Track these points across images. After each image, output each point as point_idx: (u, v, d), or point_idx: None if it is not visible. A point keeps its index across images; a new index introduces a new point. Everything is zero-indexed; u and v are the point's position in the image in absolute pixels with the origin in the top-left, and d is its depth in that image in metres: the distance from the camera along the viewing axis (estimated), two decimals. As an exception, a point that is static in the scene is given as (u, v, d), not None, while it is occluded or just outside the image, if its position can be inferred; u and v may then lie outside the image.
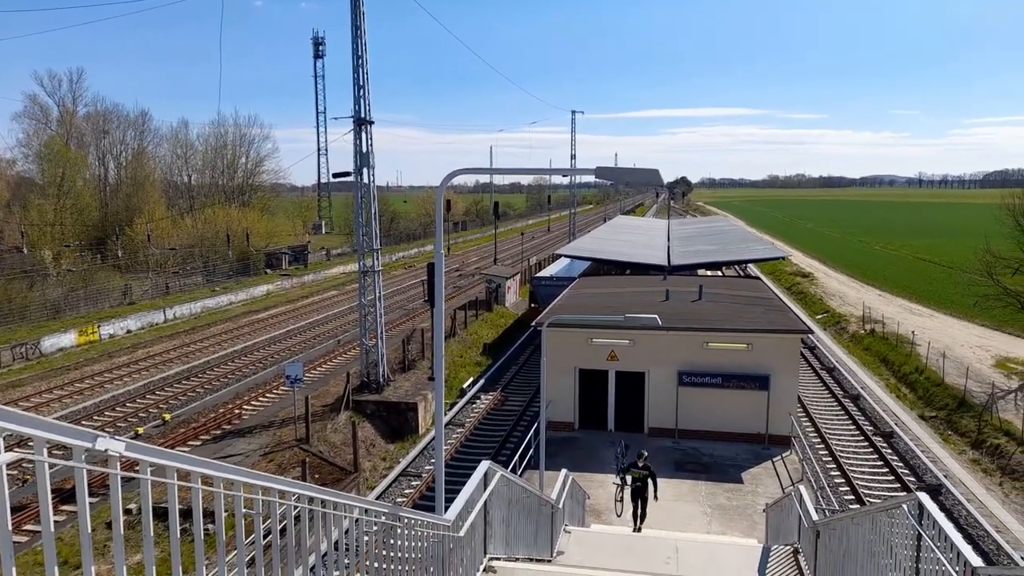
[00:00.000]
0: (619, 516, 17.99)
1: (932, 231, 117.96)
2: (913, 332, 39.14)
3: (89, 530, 2.51)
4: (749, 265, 66.47)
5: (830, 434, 27.13)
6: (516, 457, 20.59)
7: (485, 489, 7.59)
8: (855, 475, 23.36)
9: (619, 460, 18.42)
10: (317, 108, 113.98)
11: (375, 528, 5.09)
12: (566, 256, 50.28)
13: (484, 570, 7.94)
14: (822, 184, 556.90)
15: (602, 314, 24.85)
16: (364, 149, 28.82)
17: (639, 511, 17.27)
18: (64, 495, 18.91)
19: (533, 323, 25.72)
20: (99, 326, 43.86)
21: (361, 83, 28.33)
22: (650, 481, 17.09)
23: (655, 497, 17.12)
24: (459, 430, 28.62)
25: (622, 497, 17.93)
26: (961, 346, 37.69)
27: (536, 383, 27.53)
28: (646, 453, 17.40)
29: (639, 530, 16.67)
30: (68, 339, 41.32)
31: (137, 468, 2.71)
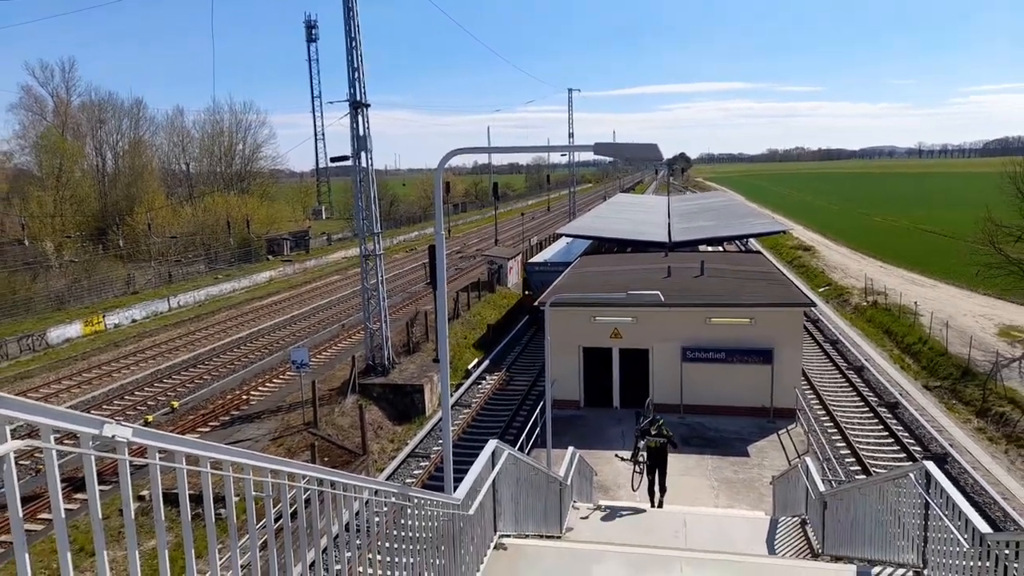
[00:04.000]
0: (635, 490, 16.36)
1: (933, 201, 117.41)
2: (916, 303, 39.10)
3: (100, 517, 2.51)
4: (750, 240, 66.31)
5: (835, 406, 27.21)
6: (523, 436, 20.68)
7: (493, 468, 7.63)
8: (861, 446, 23.46)
9: (640, 421, 16.27)
10: (312, 92, 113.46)
11: (385, 509, 5.12)
12: (567, 236, 50.05)
13: (495, 547, 8.00)
14: (821, 157, 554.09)
15: (604, 292, 24.84)
16: (361, 133, 28.65)
17: (657, 484, 15.72)
18: (77, 483, 19.06)
19: (537, 302, 25.52)
20: (104, 316, 43.98)
21: (355, 65, 28.09)
22: (669, 448, 15.61)
23: (673, 448, 15.82)
24: (465, 411, 28.75)
25: (642, 469, 16.12)
26: (964, 316, 37.66)
27: (540, 362, 27.62)
28: (661, 419, 15.84)
29: (660, 506, 15.38)
30: (74, 330, 41.44)
31: (146, 454, 2.71)
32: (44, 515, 19.08)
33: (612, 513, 14.36)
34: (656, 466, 15.54)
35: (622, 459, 16.91)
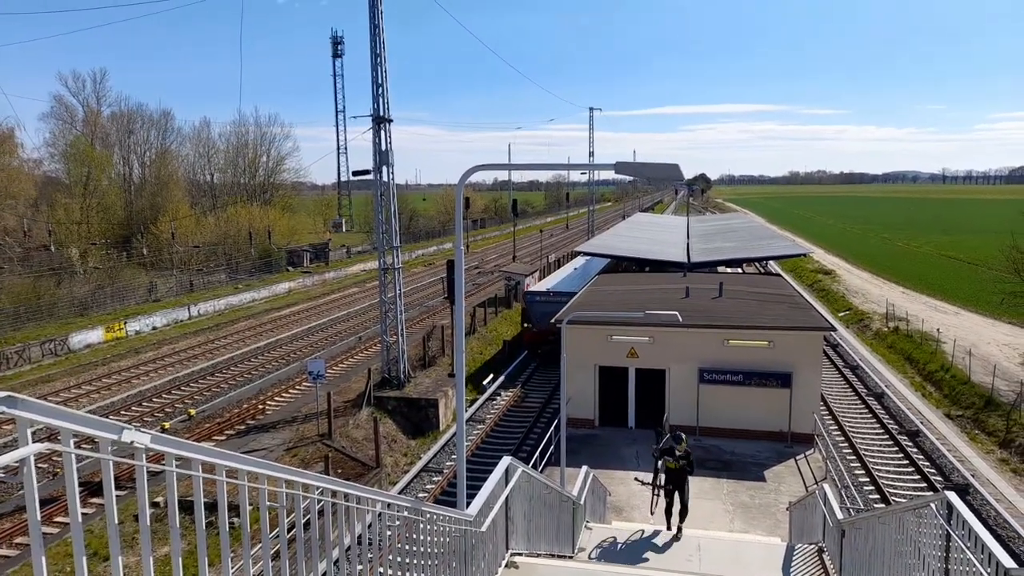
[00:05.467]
0: (652, 514, 15.18)
1: (957, 227, 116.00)
2: (938, 329, 38.53)
3: (116, 521, 2.53)
4: (770, 262, 65.85)
5: (854, 432, 26.80)
6: (536, 453, 20.57)
7: (506, 485, 7.59)
8: (880, 474, 23.06)
9: (658, 441, 14.84)
10: (336, 107, 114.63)
11: (398, 523, 5.10)
12: (585, 253, 49.93)
13: (506, 565, 7.94)
14: (843, 180, 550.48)
15: (622, 311, 24.75)
16: (383, 147, 28.92)
17: (676, 507, 14.42)
18: (93, 488, 19.22)
19: (554, 319, 25.05)
20: (125, 323, 44.51)
21: (380, 81, 28.41)
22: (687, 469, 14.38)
23: (689, 473, 14.51)
24: (479, 426, 28.67)
25: (659, 492, 14.95)
26: (987, 344, 37.04)
27: (555, 380, 27.42)
28: (684, 436, 14.65)
29: (678, 531, 14.10)
30: (95, 335, 41.97)
31: (163, 461, 2.73)
32: (60, 518, 19.24)
33: (625, 534, 14.20)
34: (675, 488, 14.44)
35: (642, 483, 15.66)
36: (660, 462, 14.64)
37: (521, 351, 38.86)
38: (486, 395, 32.19)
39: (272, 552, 3.53)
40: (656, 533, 14.23)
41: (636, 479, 16.31)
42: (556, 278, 45.18)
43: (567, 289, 36.49)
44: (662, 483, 14.72)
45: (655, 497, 15.10)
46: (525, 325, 38.83)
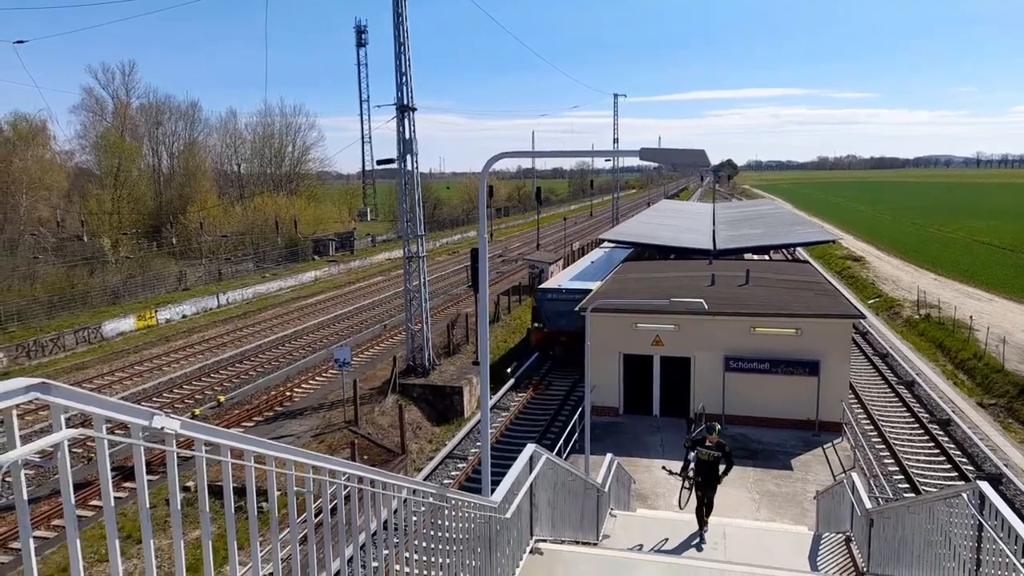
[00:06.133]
0: (681, 508, 14.39)
1: (991, 212, 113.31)
2: (971, 317, 37.76)
3: (148, 505, 2.58)
4: (798, 249, 64.95)
5: (883, 421, 26.44)
6: (561, 441, 20.61)
7: (531, 472, 7.61)
8: (910, 463, 22.74)
9: (689, 430, 14.03)
10: (360, 96, 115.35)
11: (423, 508, 5.14)
12: (609, 241, 49.67)
13: (530, 551, 7.98)
14: (874, 165, 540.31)
15: (647, 299, 24.62)
16: (407, 136, 28.98)
17: (705, 503, 13.38)
18: (127, 472, 19.65)
19: (578, 307, 24.88)
20: (156, 311, 45.32)
21: (403, 70, 28.43)
22: (722, 465, 13.44)
23: (726, 471, 13.58)
24: (503, 414, 28.78)
25: (690, 485, 14.13)
26: (1022, 331, 36.23)
27: (579, 368, 27.26)
28: (719, 426, 13.81)
29: (703, 528, 13.28)
30: (127, 323, 42.81)
31: (193, 446, 2.77)
32: (95, 502, 19.72)
33: (650, 522, 14.18)
34: (707, 482, 13.40)
35: (669, 472, 14.76)
36: (692, 453, 13.82)
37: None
38: (510, 383, 32.27)
39: (300, 536, 3.58)
40: (681, 521, 14.18)
41: (664, 468, 15.43)
42: (574, 271, 42.30)
43: (583, 285, 33.16)
44: (692, 475, 13.96)
45: (687, 491, 14.31)
46: (535, 325, 35.86)
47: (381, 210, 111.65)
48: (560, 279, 38.65)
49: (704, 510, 13.40)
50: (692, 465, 13.88)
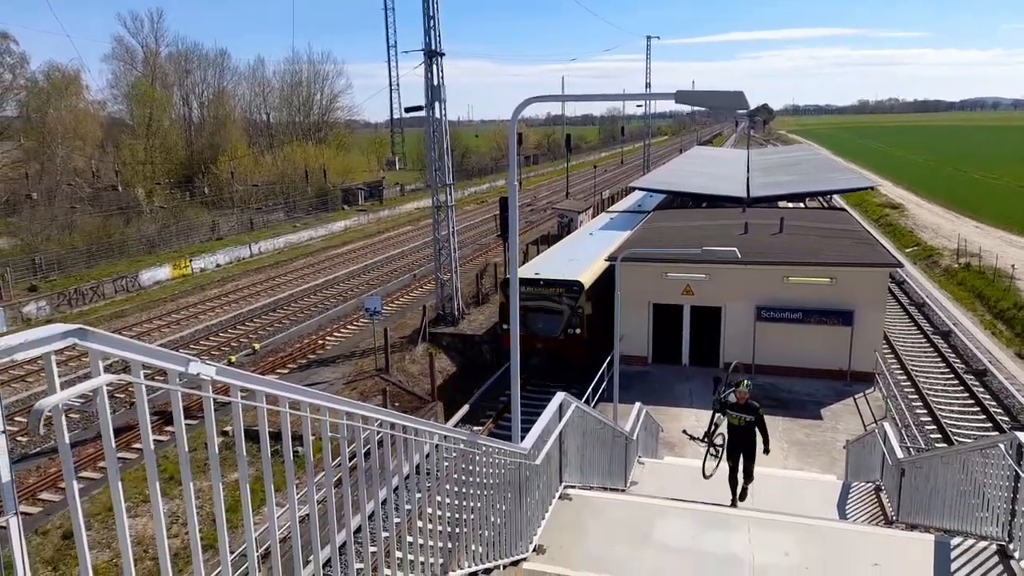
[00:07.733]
0: (706, 477, 12.48)
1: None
2: (1013, 266, 36.75)
3: (187, 449, 2.63)
4: (834, 196, 63.40)
5: (917, 371, 26.11)
6: (589, 390, 20.75)
7: (560, 420, 7.67)
8: (943, 414, 22.51)
9: (719, 390, 11.99)
10: (388, 41, 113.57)
11: (454, 454, 5.22)
12: (639, 189, 48.90)
13: (560, 497, 8.11)
14: (917, 109, 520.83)
15: (678, 247, 24.32)
16: (435, 82, 28.57)
17: (740, 473, 11.77)
18: (167, 416, 20.30)
19: (607, 257, 24.53)
20: (191, 260, 46.14)
21: (431, 14, 27.86)
22: (757, 428, 11.49)
23: (765, 450, 11.66)
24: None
25: (717, 452, 12.40)
26: (1068, 281, 35.21)
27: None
28: (748, 381, 11.75)
29: (742, 493, 11.88)
30: (163, 272, 43.70)
31: (228, 393, 2.81)
32: (137, 445, 20.46)
33: (678, 469, 14.30)
34: (739, 450, 11.65)
35: (690, 437, 12.72)
36: (720, 415, 11.87)
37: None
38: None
39: (335, 480, 3.66)
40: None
41: (684, 432, 13.30)
42: (597, 224, 36.39)
43: (570, 273, 25.61)
44: (721, 442, 12.21)
45: (714, 459, 12.50)
46: (505, 327, 25.22)
47: (409, 159, 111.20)
48: (545, 258, 30.37)
49: (742, 478, 11.75)
50: (719, 430, 12.16)
